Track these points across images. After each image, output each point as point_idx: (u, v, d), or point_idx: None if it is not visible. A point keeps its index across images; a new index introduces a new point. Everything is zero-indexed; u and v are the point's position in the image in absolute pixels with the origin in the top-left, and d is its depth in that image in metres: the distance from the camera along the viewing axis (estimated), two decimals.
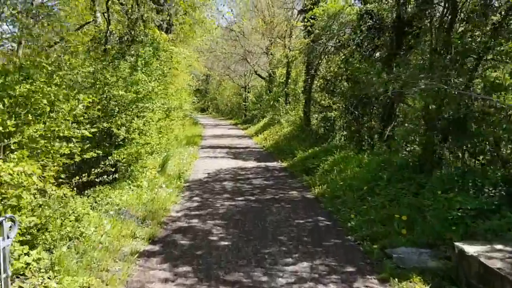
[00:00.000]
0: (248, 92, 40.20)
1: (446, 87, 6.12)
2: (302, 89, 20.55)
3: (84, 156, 5.84)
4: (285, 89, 22.71)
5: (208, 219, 6.88)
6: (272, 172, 11.47)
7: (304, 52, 16.43)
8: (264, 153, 16.03)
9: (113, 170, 7.13)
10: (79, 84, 6.76)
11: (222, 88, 50.86)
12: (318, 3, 16.00)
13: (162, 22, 13.33)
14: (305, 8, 16.14)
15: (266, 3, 25.25)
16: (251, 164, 13.07)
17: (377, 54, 12.33)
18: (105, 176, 6.02)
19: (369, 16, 12.14)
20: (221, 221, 6.72)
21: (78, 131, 5.92)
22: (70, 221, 5.95)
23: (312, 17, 15.14)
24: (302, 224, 6.55)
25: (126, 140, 8.49)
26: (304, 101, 17.40)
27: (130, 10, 10.43)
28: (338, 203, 7.46)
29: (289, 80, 22.87)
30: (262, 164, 13.04)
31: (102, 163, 5.62)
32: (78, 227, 5.99)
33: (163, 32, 12.22)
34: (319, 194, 8.45)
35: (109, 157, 5.73)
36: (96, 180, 5.83)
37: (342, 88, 13.34)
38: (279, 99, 24.50)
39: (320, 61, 15.70)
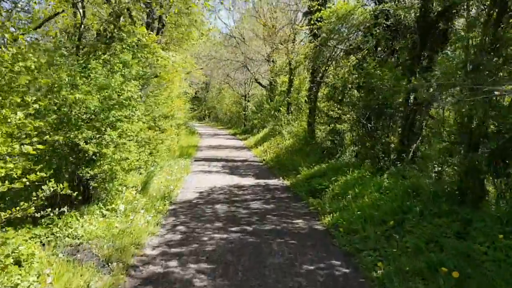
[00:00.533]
0: (248, 101, 38.85)
1: (507, 91, 4.65)
2: (306, 98, 19.13)
3: (24, 180, 4.33)
4: (287, 98, 21.28)
5: (191, 260, 5.35)
6: (273, 193, 9.94)
7: (310, 58, 15.00)
8: (263, 167, 14.52)
9: (74, 194, 5.64)
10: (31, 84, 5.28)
11: (221, 97, 49.54)
12: (325, 4, 14.62)
13: (151, 21, 11.92)
14: (311, 10, 14.75)
15: (268, 7, 23.94)
16: (249, 181, 11.55)
17: (393, 58, 10.90)
18: (50, 209, 4.49)
19: (385, 17, 10.74)
20: (207, 265, 5.18)
21: (17, 147, 4.46)
22: (7, 265, 4.48)
23: (319, 19, 13.73)
24: (313, 272, 5.01)
25: (98, 155, 7.01)
26: (308, 111, 15.93)
27: (113, 1, 9.00)
28: (357, 240, 5.92)
29: (292, 88, 21.46)
30: (262, 181, 11.51)
31: (34, 194, 4.08)
32: (21, 275, 4.53)
33: (151, 32, 10.78)
34: (330, 224, 6.91)
35: (44, 186, 4.19)
36: (36, 215, 4.30)
37: (353, 97, 11.89)
38: (280, 108, 23.10)
39: (327, 67, 14.27)
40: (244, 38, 32.11)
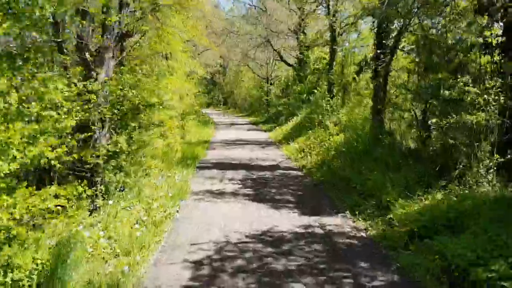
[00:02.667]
0: (271, 84, 33.30)
1: None
2: (356, 75, 13.68)
3: None
4: (330, 76, 15.66)
5: None
6: (350, 266, 4.58)
7: (376, 8, 9.40)
8: (307, 183, 9.15)
9: None
10: None
11: (239, 80, 44.05)
12: None
13: None
14: None
15: None
16: (290, 220, 6.26)
17: None
18: None
19: None
20: None
21: None
22: None
23: None
24: None
25: None
26: (373, 91, 10.35)
27: None
28: None
29: (334, 63, 15.85)
30: (314, 222, 6.17)
31: None
32: None
33: None
34: None
35: None
36: None
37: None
38: (315, 90, 17.64)
39: (410, 21, 8.70)
40: (265, 7, 26.48)
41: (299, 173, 10.32)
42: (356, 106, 12.84)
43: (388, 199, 6.23)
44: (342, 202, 7.24)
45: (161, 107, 8.61)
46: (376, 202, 6.55)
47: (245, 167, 11.11)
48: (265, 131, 22.26)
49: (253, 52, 31.75)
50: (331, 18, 14.90)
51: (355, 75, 14.75)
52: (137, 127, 8.27)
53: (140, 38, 10.51)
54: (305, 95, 19.86)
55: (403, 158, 7.60)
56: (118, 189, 7.03)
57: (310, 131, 14.43)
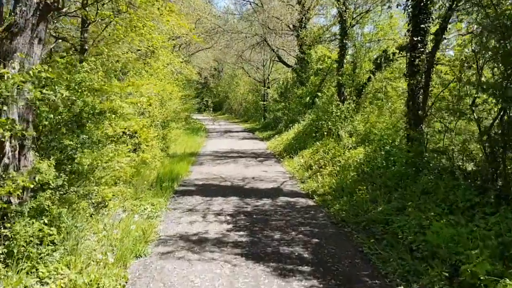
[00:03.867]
0: (268, 88, 30.72)
1: None
2: (372, 74, 11.20)
3: None
4: (338, 76, 13.07)
5: None
6: None
7: None
8: (323, 221, 6.53)
9: None
10: None
11: (235, 84, 41.45)
12: None
13: None
14: None
15: None
16: None
17: None
18: None
19: None
20: None
21: None
22: None
23: None
24: None
25: None
26: (409, 94, 7.71)
27: None
28: None
29: (344, 60, 13.29)
30: None
31: None
32: None
33: None
34: None
35: None
36: None
37: None
38: (319, 93, 15.17)
39: None
40: (261, 2, 23.92)
41: (309, 202, 7.74)
42: (376, 112, 10.32)
43: (473, 269, 3.68)
44: (385, 263, 4.66)
45: (113, 115, 6.05)
46: (448, 270, 3.99)
47: (238, 191, 8.56)
48: (262, 139, 19.73)
49: (248, 52, 29.22)
50: (341, 6, 12.37)
51: (371, 75, 12.26)
52: (79, 145, 5.74)
53: (104, 28, 8.09)
54: (307, 99, 17.38)
55: (472, 192, 5.04)
56: (33, 247, 4.44)
57: (317, 142, 11.86)
